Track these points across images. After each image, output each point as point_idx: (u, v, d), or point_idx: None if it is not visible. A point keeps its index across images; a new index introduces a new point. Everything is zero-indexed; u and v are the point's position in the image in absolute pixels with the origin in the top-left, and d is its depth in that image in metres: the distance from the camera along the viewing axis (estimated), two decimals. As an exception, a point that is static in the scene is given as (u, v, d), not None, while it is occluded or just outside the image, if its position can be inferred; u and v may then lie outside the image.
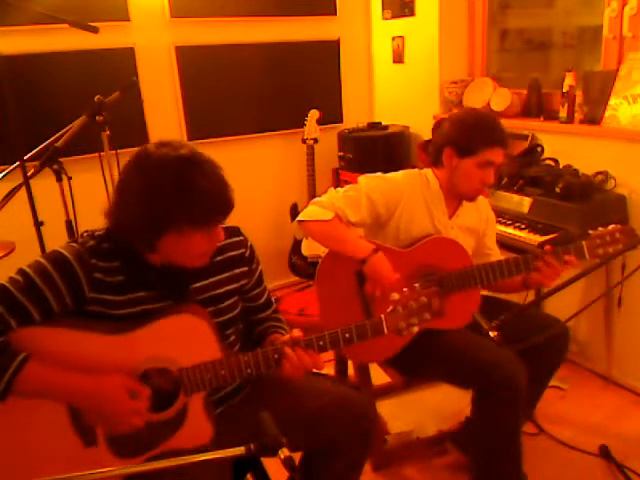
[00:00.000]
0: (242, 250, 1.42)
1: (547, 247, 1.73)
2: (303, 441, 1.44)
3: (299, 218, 1.78)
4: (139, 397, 1.19)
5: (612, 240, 1.70)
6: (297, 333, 1.32)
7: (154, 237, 1.20)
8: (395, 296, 1.36)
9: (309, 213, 1.77)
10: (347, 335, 1.33)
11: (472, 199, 1.85)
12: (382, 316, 1.34)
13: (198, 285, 1.33)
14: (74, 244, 1.24)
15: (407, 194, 1.81)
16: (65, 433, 1.19)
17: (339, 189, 1.81)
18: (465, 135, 1.75)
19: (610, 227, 1.72)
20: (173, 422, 1.26)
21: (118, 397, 1.16)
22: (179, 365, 1.23)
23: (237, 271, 1.40)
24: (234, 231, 1.42)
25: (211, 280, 1.35)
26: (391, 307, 1.35)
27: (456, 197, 1.87)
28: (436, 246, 1.80)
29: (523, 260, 1.73)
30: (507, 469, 1.78)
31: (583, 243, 1.70)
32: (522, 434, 1.77)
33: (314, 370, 1.32)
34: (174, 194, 1.15)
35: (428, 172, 1.87)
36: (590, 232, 1.73)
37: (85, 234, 1.28)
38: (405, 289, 1.36)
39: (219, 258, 1.37)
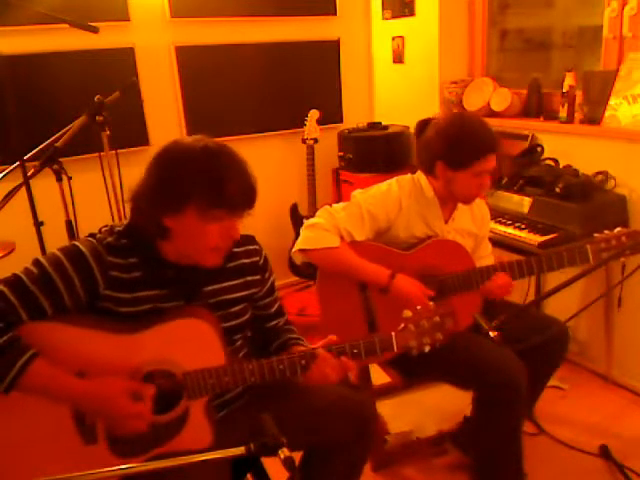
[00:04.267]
0: (256, 258, 1.41)
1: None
2: (304, 441, 1.44)
3: (301, 247, 1.72)
4: (143, 398, 1.18)
5: (618, 244, 1.68)
6: (333, 338, 1.33)
7: (170, 215, 1.19)
8: (407, 313, 1.32)
9: (311, 240, 1.71)
10: (355, 351, 1.32)
11: (470, 202, 1.85)
12: (392, 334, 1.32)
13: (210, 288, 1.33)
14: (92, 239, 1.24)
15: (404, 205, 1.79)
16: (66, 430, 1.19)
17: (334, 207, 1.77)
18: (455, 150, 1.71)
19: (616, 230, 1.70)
20: (174, 425, 1.25)
21: (121, 400, 1.15)
22: (183, 369, 1.23)
23: (249, 278, 1.40)
24: (249, 239, 1.42)
25: (223, 285, 1.35)
26: (402, 325, 1.32)
27: (451, 201, 1.86)
28: (438, 248, 1.79)
29: (526, 262, 1.73)
30: (507, 469, 1.78)
31: (587, 247, 1.69)
32: (522, 434, 1.77)
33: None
34: (208, 171, 1.17)
35: (421, 177, 1.84)
36: (595, 235, 1.71)
37: (104, 229, 1.27)
38: (419, 307, 1.35)
39: (232, 264, 1.36)
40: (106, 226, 1.28)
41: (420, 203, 1.82)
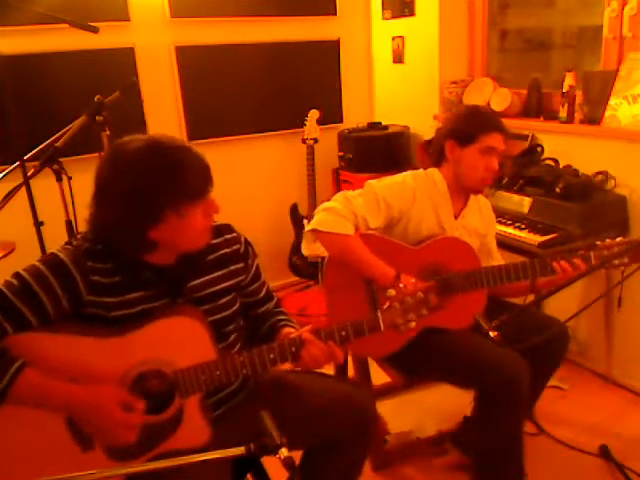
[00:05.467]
0: (236, 246, 1.41)
1: (582, 253, 1.72)
2: (304, 440, 1.44)
3: (314, 227, 1.71)
4: (133, 410, 1.17)
5: (619, 252, 1.70)
6: (308, 328, 1.33)
7: (152, 228, 1.19)
8: (391, 292, 1.35)
9: (326, 223, 1.69)
10: (343, 333, 1.32)
11: (479, 190, 1.86)
12: (378, 312, 1.34)
13: (194, 283, 1.33)
14: (69, 246, 1.24)
15: (418, 197, 1.80)
16: (62, 438, 1.19)
17: (350, 193, 1.76)
18: (463, 125, 1.80)
19: (618, 239, 1.73)
20: (169, 425, 1.25)
21: (111, 411, 1.14)
22: (174, 367, 1.23)
23: (232, 268, 1.40)
24: (226, 228, 1.42)
25: (207, 278, 1.35)
26: (387, 303, 1.34)
27: (462, 196, 1.87)
28: (446, 245, 1.80)
29: (531, 264, 1.73)
30: (508, 469, 1.78)
31: (591, 254, 1.71)
32: (524, 434, 1.77)
33: (332, 362, 1.33)
34: (165, 175, 1.16)
35: (434, 172, 1.87)
36: (598, 243, 1.74)
37: (79, 236, 1.27)
38: (402, 285, 1.36)
39: (212, 256, 1.37)
40: (80, 233, 1.28)
41: (433, 197, 1.83)
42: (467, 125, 1.79)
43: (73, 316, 1.21)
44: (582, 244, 1.78)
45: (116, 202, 1.19)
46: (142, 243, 1.22)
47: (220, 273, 1.37)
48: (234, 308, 1.41)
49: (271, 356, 1.28)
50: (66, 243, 1.27)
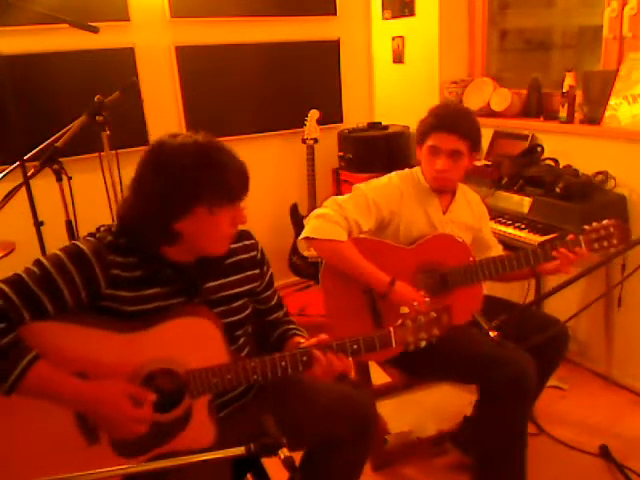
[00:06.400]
0: (253, 253, 1.43)
1: (571, 237, 1.76)
2: (304, 440, 1.44)
3: (307, 235, 1.71)
4: (143, 404, 1.18)
5: (607, 234, 1.75)
6: (324, 336, 1.33)
7: (180, 220, 1.20)
8: (404, 309, 1.35)
9: (319, 230, 1.70)
10: (355, 346, 1.32)
11: (437, 189, 1.85)
12: (391, 329, 1.33)
13: (211, 285, 1.34)
14: (92, 238, 1.24)
15: (405, 195, 1.82)
16: (68, 431, 1.19)
17: (341, 197, 1.77)
18: (420, 123, 1.84)
19: (604, 222, 1.76)
20: (177, 424, 1.25)
21: (121, 405, 1.15)
22: (186, 367, 1.23)
23: (249, 273, 1.41)
24: (245, 234, 1.43)
25: (223, 281, 1.36)
26: (400, 321, 1.34)
27: (448, 192, 1.89)
28: (439, 242, 1.80)
29: (524, 255, 1.75)
30: (510, 469, 1.76)
31: (580, 238, 1.75)
32: (527, 435, 1.76)
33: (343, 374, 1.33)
34: (209, 171, 1.19)
35: (417, 170, 1.89)
36: (585, 227, 1.77)
37: (102, 228, 1.27)
38: (415, 303, 1.35)
39: (231, 260, 1.38)
40: (103, 225, 1.29)
41: (419, 193, 1.85)
42: (421, 124, 1.83)
43: (91, 308, 1.21)
44: (571, 231, 1.81)
45: (155, 189, 1.19)
46: (165, 232, 1.22)
47: (236, 277, 1.38)
48: (246, 313, 1.41)
49: (282, 364, 1.28)
50: (89, 234, 1.27)
